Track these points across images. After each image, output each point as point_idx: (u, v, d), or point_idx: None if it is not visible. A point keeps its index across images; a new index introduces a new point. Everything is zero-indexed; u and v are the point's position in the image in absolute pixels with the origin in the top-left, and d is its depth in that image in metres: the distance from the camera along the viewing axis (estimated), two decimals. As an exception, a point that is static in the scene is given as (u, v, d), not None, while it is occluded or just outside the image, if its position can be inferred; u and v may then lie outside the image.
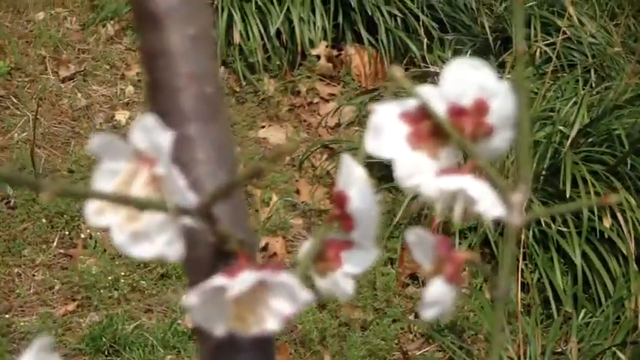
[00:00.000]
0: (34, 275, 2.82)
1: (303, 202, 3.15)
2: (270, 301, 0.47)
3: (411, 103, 0.49)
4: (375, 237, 0.51)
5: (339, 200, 0.51)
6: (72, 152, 3.25)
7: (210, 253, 0.50)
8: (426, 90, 0.49)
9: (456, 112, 0.49)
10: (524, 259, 2.75)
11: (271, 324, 0.47)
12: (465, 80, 0.49)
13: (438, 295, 0.49)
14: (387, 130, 0.49)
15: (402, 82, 0.50)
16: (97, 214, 0.47)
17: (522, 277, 2.72)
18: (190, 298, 0.46)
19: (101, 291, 2.73)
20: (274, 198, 3.12)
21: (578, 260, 2.74)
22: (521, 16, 0.48)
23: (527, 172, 0.49)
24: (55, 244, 2.91)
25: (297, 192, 3.20)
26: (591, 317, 2.66)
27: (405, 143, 0.49)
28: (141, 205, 0.46)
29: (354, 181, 0.51)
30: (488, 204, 0.47)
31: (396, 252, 2.86)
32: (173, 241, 0.46)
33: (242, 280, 0.46)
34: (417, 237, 0.50)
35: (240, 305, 0.47)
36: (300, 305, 0.47)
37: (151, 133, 0.45)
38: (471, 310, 2.73)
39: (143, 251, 0.47)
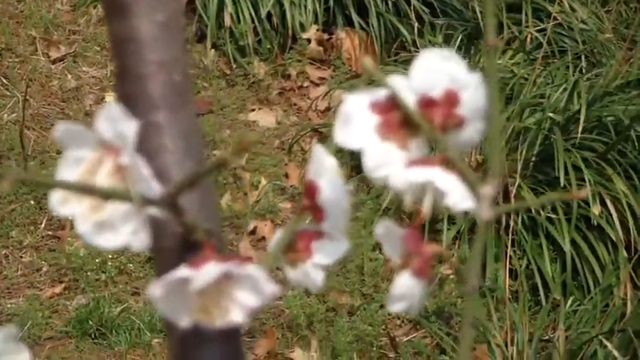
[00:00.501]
0: (21, 257, 2.81)
1: (292, 186, 3.15)
2: (235, 292, 0.47)
3: (381, 93, 0.49)
4: (345, 228, 0.51)
5: (310, 190, 0.51)
6: (61, 134, 3.24)
7: (177, 244, 0.50)
8: (396, 80, 0.48)
9: (426, 102, 0.48)
10: (512, 245, 2.75)
11: (236, 316, 0.47)
12: (436, 71, 0.48)
13: (405, 290, 0.48)
14: (357, 119, 0.48)
15: (373, 72, 0.50)
16: (61, 203, 0.46)
17: (510, 263, 2.72)
18: (154, 289, 0.46)
19: (88, 273, 2.72)
20: (263, 181, 3.11)
21: (567, 247, 2.74)
22: (492, 5, 0.48)
23: (497, 164, 0.48)
24: (42, 225, 2.90)
25: (286, 176, 3.20)
26: (579, 305, 2.66)
27: (375, 133, 0.48)
28: (105, 195, 0.45)
29: (324, 172, 0.50)
30: (458, 196, 0.47)
31: (384, 237, 2.85)
32: (138, 231, 0.46)
33: (206, 272, 0.45)
34: (385, 230, 0.50)
35: (204, 297, 0.46)
36: (265, 298, 0.46)
37: (115, 122, 0.45)
38: (458, 296, 2.73)
39: (107, 241, 0.46)
